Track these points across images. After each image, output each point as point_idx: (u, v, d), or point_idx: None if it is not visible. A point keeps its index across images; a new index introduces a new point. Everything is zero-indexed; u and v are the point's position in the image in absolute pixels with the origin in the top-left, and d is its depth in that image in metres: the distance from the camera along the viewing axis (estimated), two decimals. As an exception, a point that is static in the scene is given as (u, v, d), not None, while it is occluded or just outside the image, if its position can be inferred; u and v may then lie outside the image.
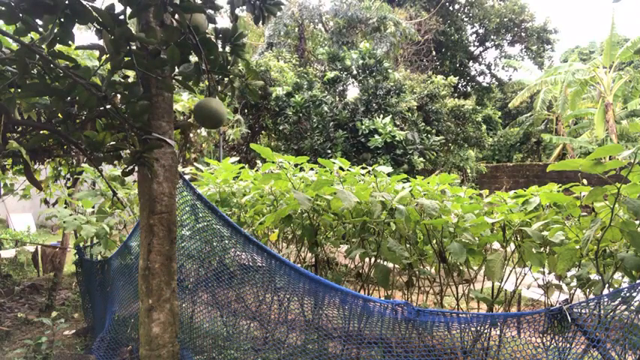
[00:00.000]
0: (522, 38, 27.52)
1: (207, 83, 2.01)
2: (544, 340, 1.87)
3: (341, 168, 3.33)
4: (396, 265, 3.11)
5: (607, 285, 2.45)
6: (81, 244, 4.30)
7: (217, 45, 1.98)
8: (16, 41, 1.63)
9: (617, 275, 2.63)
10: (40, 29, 1.64)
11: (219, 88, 2.12)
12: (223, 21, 28.06)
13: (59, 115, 1.99)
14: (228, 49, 2.02)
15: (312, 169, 3.65)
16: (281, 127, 13.48)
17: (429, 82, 15.40)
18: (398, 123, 13.26)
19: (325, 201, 3.10)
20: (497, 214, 3.03)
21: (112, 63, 1.73)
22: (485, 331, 2.29)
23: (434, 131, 14.16)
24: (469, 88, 29.19)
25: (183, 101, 5.26)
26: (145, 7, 1.76)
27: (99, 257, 4.09)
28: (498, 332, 2.16)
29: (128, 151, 1.96)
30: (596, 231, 2.33)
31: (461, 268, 3.40)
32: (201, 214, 2.64)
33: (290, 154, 12.78)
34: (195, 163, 5.65)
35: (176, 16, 1.84)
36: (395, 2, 24.11)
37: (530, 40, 27.38)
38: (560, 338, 1.85)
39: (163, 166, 2.14)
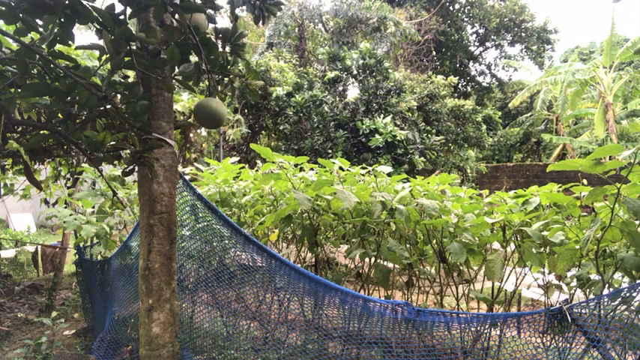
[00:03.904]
0: (522, 38, 27.51)
1: (207, 83, 2.01)
2: (544, 340, 1.87)
3: (341, 168, 3.33)
4: (396, 265, 3.11)
5: (607, 285, 2.45)
6: (81, 244, 4.30)
7: (217, 45, 1.98)
8: (16, 41, 1.63)
9: (617, 275, 2.63)
10: (40, 29, 1.64)
11: (219, 88, 2.12)
12: (223, 21, 28.04)
13: (59, 115, 1.99)
14: (228, 49, 2.02)
15: (312, 169, 3.65)
16: (281, 127, 13.48)
17: (429, 82, 15.40)
18: (398, 123, 13.27)
19: (325, 201, 3.10)
20: (497, 214, 3.03)
21: (112, 63, 1.73)
22: (486, 331, 2.29)
23: (434, 131, 14.17)
24: (469, 88, 29.19)
25: (183, 101, 5.26)
26: (145, 7, 1.76)
27: (99, 257, 4.09)
28: (498, 332, 2.16)
29: (128, 151, 1.96)
30: (596, 231, 2.33)
31: (461, 268, 3.40)
32: (201, 214, 2.64)
33: (290, 154, 12.78)
34: (195, 163, 5.66)
35: (176, 16, 1.84)
36: (395, 2, 24.11)
37: (530, 40, 27.37)
38: (560, 338, 1.85)
39: (163, 166, 2.14)
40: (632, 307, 1.75)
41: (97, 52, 2.94)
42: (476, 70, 29.83)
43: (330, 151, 12.80)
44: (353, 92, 15.20)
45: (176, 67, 1.92)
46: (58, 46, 1.73)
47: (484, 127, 15.74)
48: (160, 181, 2.13)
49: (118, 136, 1.86)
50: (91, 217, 3.76)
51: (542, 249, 2.91)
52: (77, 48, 1.76)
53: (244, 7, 2.03)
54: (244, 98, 12.75)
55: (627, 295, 1.75)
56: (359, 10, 17.28)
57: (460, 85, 28.38)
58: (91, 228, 3.59)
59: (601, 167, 2.16)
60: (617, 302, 1.79)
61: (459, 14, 27.18)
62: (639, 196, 2.24)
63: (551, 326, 1.80)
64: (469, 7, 27.12)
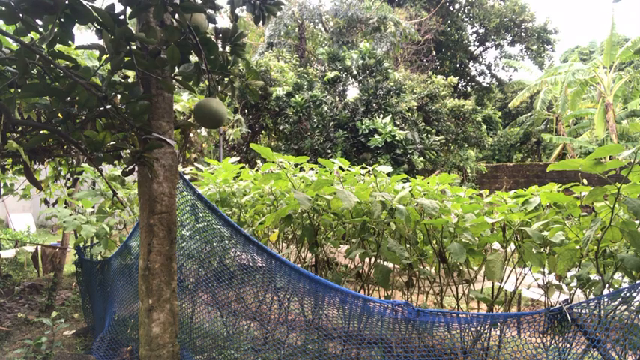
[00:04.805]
0: (522, 38, 27.51)
1: (207, 83, 2.01)
2: (544, 340, 1.87)
3: (341, 168, 3.33)
4: (396, 265, 3.11)
5: (607, 285, 2.45)
6: (81, 244, 4.30)
7: (217, 45, 1.98)
8: (16, 41, 1.63)
9: (617, 275, 2.63)
10: (40, 29, 1.64)
11: (219, 88, 2.12)
12: (223, 21, 28.04)
13: (59, 115, 1.99)
14: (228, 49, 2.02)
15: (312, 169, 3.65)
16: (281, 127, 13.48)
17: (429, 82, 15.40)
18: (398, 123, 13.27)
19: (325, 201, 3.10)
20: (497, 214, 3.03)
21: (112, 63, 1.72)
22: (486, 331, 2.29)
23: (434, 131, 14.17)
24: (469, 88, 29.18)
25: (183, 101, 5.26)
26: (145, 7, 1.76)
27: (99, 257, 4.09)
28: (498, 332, 2.16)
29: (128, 151, 1.96)
30: (596, 231, 2.33)
31: (461, 268, 3.40)
32: (201, 214, 2.64)
33: (290, 154, 12.78)
34: (195, 163, 5.65)
35: (176, 16, 1.84)
36: (395, 2, 24.10)
37: (530, 40, 27.37)
38: (560, 338, 1.85)
39: (163, 166, 2.14)
40: (632, 307, 1.75)
41: (97, 52, 2.94)
42: (476, 70, 29.84)
43: (329, 151, 12.80)
44: (353, 92, 15.20)
45: (176, 67, 1.92)
46: (58, 46, 1.73)
47: (484, 127, 15.73)
48: (160, 181, 2.13)
49: (118, 136, 1.86)
50: (91, 217, 3.76)
51: (542, 249, 2.91)
52: (77, 48, 1.76)
53: (244, 7, 2.03)
54: (244, 98, 12.75)
55: (627, 295, 1.75)
56: (359, 10, 17.27)
57: (460, 85, 28.37)
58: (91, 228, 3.59)
59: (601, 167, 2.16)
60: (617, 302, 1.79)
61: (459, 14, 27.17)
62: (639, 196, 2.24)
63: (551, 326, 1.80)
64: (469, 7, 27.11)
